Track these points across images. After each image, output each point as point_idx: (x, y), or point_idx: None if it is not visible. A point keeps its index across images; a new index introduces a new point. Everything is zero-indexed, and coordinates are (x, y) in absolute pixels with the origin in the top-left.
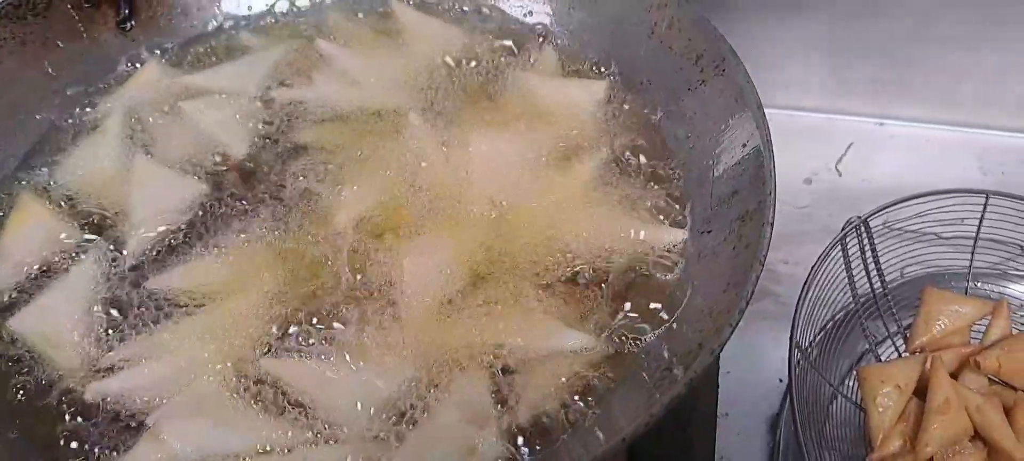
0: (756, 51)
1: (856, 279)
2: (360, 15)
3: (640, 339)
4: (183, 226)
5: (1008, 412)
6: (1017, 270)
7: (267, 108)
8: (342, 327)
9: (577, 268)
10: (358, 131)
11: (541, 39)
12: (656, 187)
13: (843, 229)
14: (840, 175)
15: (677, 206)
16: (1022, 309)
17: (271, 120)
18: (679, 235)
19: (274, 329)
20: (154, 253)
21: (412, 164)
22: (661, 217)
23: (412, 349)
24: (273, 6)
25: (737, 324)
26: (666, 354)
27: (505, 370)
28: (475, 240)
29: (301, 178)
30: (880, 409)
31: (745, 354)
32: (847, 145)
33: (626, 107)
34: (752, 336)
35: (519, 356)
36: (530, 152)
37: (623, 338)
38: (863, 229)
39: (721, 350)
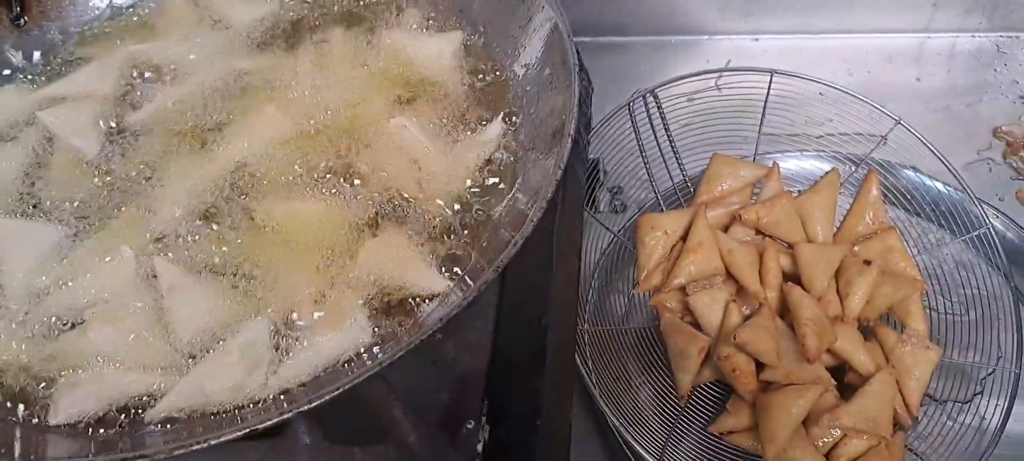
0: None
1: (645, 144)
2: None
3: None
4: None
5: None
6: (797, 143)
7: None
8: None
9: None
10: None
11: None
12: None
13: (631, 97)
14: (720, 91)
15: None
16: (800, 179)
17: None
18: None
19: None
20: None
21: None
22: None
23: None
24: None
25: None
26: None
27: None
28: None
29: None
30: (647, 250)
31: None
32: (726, 62)
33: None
34: None
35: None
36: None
37: None
38: (651, 99)
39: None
